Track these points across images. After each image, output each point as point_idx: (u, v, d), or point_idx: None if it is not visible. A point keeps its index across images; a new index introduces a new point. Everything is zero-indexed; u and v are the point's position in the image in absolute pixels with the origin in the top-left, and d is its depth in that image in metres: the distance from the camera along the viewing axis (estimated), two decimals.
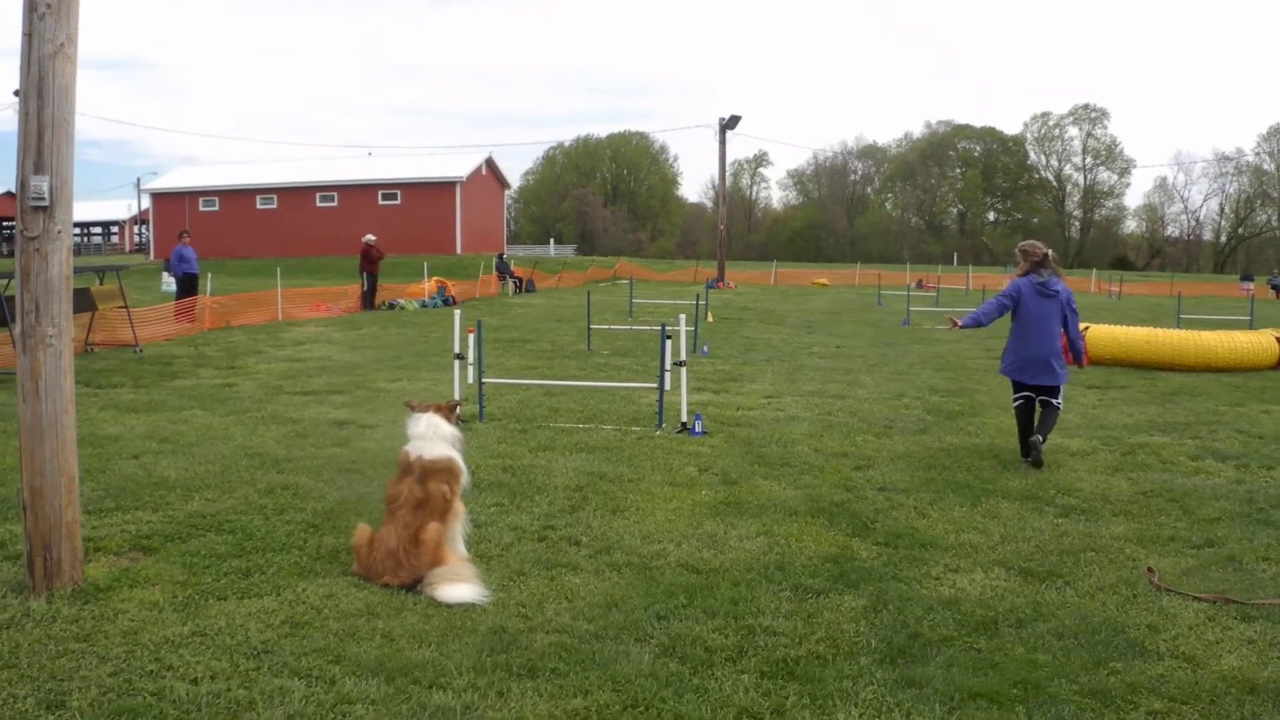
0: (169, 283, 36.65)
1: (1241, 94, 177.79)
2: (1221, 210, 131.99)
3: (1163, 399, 16.29)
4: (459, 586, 6.78)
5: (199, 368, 18.24)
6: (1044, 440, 11.18)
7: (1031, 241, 11.80)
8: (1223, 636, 6.37)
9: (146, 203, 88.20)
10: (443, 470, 7.51)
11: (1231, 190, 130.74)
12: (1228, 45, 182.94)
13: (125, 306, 21.01)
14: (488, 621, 6.33)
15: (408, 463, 7.54)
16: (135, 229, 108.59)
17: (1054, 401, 11.45)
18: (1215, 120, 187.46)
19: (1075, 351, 11.96)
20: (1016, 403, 11.62)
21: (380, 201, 80.00)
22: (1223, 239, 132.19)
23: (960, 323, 11.61)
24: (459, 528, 7.57)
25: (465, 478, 7.78)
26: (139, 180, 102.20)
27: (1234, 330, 22.52)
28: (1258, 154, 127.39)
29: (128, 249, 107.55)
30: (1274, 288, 66.95)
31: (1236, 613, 6.77)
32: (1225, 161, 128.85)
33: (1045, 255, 11.50)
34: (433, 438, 7.69)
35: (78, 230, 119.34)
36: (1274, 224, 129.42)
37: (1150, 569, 7.58)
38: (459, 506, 7.59)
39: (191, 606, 6.48)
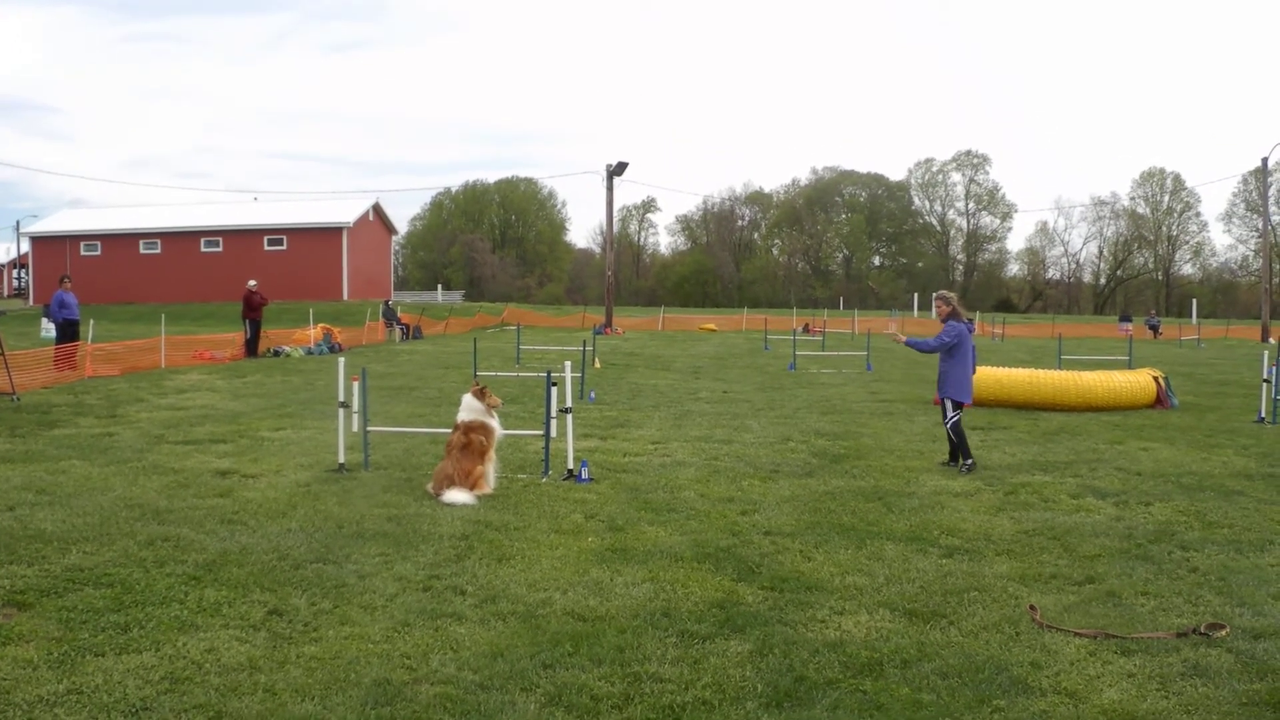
0: (48, 329, 35.99)
1: (1116, 140, 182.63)
2: (1100, 253, 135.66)
3: (1044, 439, 16.63)
4: (458, 493, 11.09)
5: (78, 416, 17.85)
6: None
7: (950, 292, 14.53)
8: (1103, 671, 6.50)
9: (26, 246, 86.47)
10: (478, 428, 11.74)
11: (1109, 233, 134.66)
12: (1102, 93, 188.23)
13: (1, 353, 20.50)
14: (371, 674, 6.25)
15: (456, 424, 11.88)
16: (14, 273, 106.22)
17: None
18: (1092, 166, 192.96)
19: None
20: (957, 418, 13.86)
21: (266, 247, 79.27)
22: (1102, 281, 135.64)
23: (906, 340, 14.58)
24: (492, 468, 11.77)
25: (499, 433, 12.12)
26: (18, 223, 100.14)
27: (1113, 370, 23.05)
28: (1133, 198, 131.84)
29: (5, 294, 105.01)
30: (1151, 328, 68.82)
31: (1117, 647, 6.93)
32: (1102, 205, 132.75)
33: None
34: (468, 409, 11.93)
35: None
36: (1150, 266, 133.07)
37: (1032, 607, 7.71)
38: (492, 454, 11.79)
39: (67, 664, 6.31)
